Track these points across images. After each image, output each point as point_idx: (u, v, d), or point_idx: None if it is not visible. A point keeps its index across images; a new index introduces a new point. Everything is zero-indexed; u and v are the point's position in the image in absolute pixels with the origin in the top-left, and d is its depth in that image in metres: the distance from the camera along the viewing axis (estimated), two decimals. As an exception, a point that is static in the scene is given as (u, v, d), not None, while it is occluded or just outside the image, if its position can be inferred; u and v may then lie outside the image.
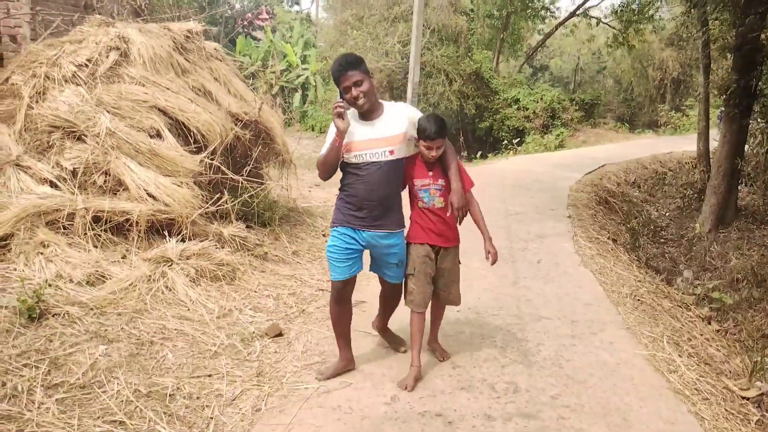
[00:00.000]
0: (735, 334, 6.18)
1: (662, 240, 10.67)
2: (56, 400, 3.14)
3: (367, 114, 3.46)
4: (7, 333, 3.64)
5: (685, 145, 19.07)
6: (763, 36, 9.35)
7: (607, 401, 3.67)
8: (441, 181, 3.61)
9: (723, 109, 11.13)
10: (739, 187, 11.01)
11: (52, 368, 3.40)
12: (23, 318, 3.78)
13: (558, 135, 21.95)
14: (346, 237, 3.53)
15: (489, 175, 12.74)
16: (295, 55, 26.43)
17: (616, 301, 5.45)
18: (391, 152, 3.47)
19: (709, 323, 6.04)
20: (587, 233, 8.03)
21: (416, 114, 3.57)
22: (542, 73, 39.74)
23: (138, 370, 3.56)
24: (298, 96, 26.21)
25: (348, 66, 3.33)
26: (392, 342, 4.17)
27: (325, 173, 3.47)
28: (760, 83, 9.70)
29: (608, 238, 8.12)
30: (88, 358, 3.55)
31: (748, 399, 4.12)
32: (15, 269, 4.39)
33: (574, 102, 25.25)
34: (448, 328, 4.57)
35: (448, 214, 3.52)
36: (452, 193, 3.48)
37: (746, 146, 10.65)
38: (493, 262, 3.65)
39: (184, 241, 5.15)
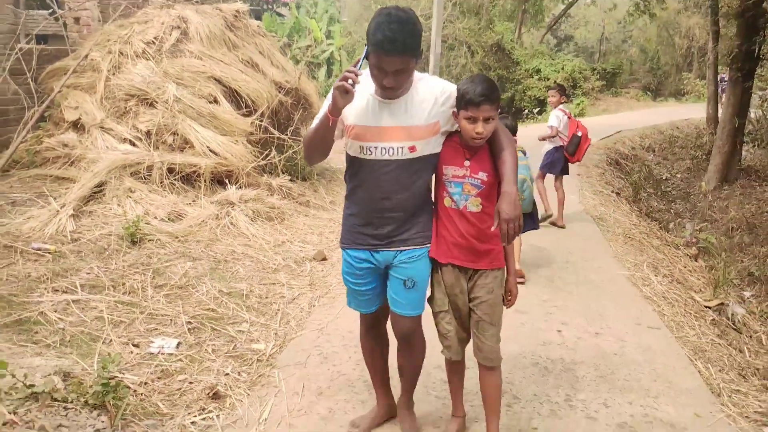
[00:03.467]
0: (718, 272, 7.03)
1: (670, 198, 11.43)
2: (163, 295, 4.19)
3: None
4: (117, 251, 4.71)
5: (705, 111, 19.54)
6: (765, 3, 9.94)
7: (588, 304, 4.60)
8: (483, 174, 2.50)
9: (723, 75, 11.82)
10: (744, 148, 11.68)
11: (155, 275, 4.44)
12: (127, 242, 4.84)
13: (578, 104, 22.49)
14: (360, 261, 2.62)
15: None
16: (320, 30, 27.24)
17: (609, 239, 6.34)
18: (412, 149, 2.44)
19: (696, 260, 6.88)
20: (593, 188, 8.88)
21: (455, 92, 2.47)
22: (567, 44, 39.87)
23: (218, 278, 4.59)
24: (323, 71, 27.07)
25: (395, 50, 2.23)
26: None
27: (310, 156, 2.57)
28: (762, 48, 10.32)
29: (612, 191, 8.95)
30: (180, 269, 4.60)
31: (710, 308, 5.00)
32: (111, 209, 5.44)
33: (595, 71, 25.69)
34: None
35: (492, 228, 2.35)
36: (502, 197, 2.32)
37: (751, 109, 11.31)
38: (509, 305, 2.67)
39: (241, 189, 6.16)
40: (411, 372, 2.84)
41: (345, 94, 2.24)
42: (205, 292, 4.32)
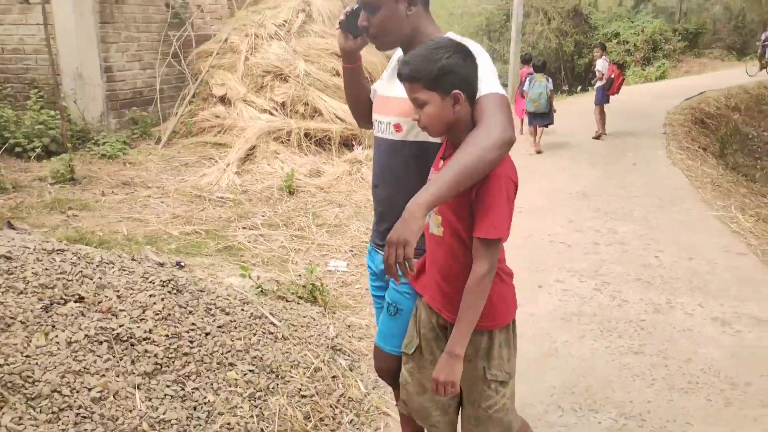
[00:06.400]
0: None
1: (756, 155, 11.65)
2: (325, 231, 5.21)
3: (404, 50, 1.91)
4: (279, 199, 5.79)
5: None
6: None
7: (680, 237, 5.29)
8: None
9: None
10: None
11: (314, 217, 5.48)
12: (286, 193, 5.90)
13: (659, 66, 22.28)
14: (370, 260, 2.19)
15: (589, 105, 13.95)
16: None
17: (698, 186, 6.93)
18: (397, 127, 1.88)
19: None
20: (680, 144, 9.35)
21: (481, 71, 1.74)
22: (645, 4, 38.75)
23: (362, 219, 5.57)
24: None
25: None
26: None
27: (352, 113, 2.22)
28: None
29: (698, 147, 9.39)
30: (331, 213, 5.62)
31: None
32: (263, 167, 6.53)
33: (677, 32, 25.18)
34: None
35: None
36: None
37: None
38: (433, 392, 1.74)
39: (365, 150, 7.13)
40: None
41: (341, 34, 1.96)
42: (356, 228, 5.31)
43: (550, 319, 3.81)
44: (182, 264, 4.14)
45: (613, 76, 9.79)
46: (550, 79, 8.75)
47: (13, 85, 7.17)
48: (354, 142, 7.18)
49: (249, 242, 4.86)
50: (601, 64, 9.91)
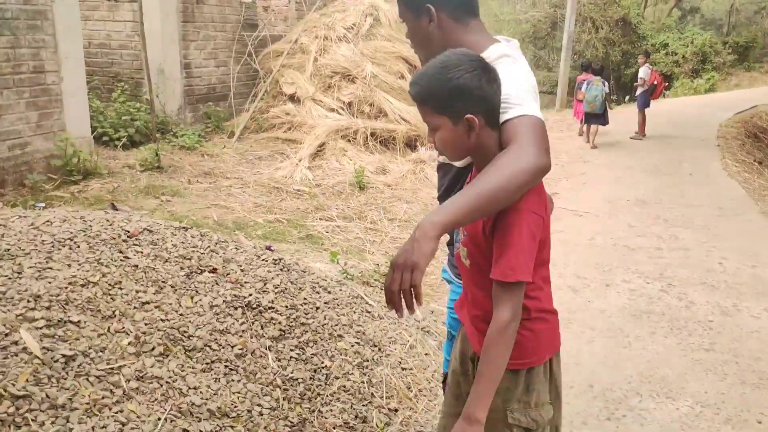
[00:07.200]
0: None
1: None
2: (396, 225, 5.48)
3: None
4: (351, 194, 6.08)
5: None
6: None
7: (742, 245, 5.41)
8: None
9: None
10: None
11: (385, 211, 5.76)
12: (356, 189, 6.20)
13: (709, 79, 22.06)
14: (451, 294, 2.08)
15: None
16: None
17: (756, 199, 7.01)
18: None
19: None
20: (735, 157, 9.38)
21: (512, 91, 1.50)
22: (692, 16, 38.22)
23: (431, 216, 5.83)
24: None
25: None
26: None
27: None
28: None
29: (754, 160, 9.41)
30: (400, 209, 5.89)
31: None
32: (332, 163, 6.84)
33: (727, 45, 24.87)
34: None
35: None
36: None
37: None
38: None
39: (428, 151, 7.39)
40: None
41: None
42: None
43: (621, 316, 4.01)
44: (272, 249, 4.45)
45: (656, 82, 10.78)
46: (606, 83, 9.62)
47: (99, 78, 7.64)
48: (417, 143, 7.44)
49: (327, 232, 5.16)
50: (644, 71, 10.69)
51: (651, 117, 11.80)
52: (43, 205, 4.66)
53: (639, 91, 10.77)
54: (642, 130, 10.81)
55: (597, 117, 9.54)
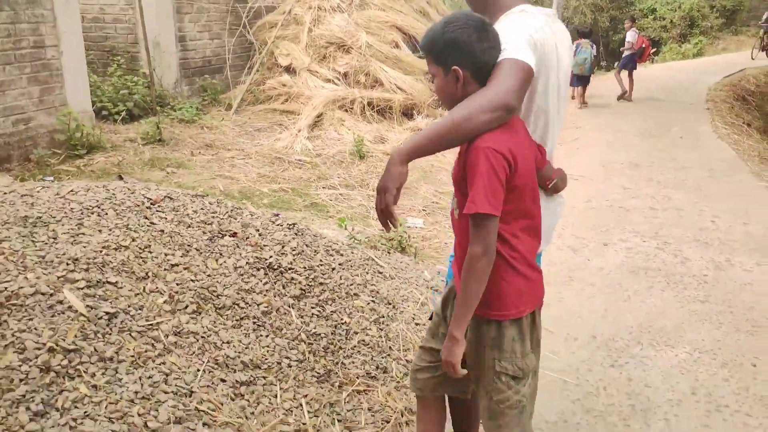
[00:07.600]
0: None
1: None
2: (398, 192, 5.59)
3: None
4: (351, 163, 6.18)
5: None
6: None
7: (733, 205, 5.58)
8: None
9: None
10: None
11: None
12: (356, 157, 6.30)
13: (696, 43, 22.13)
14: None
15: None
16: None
17: (746, 159, 7.18)
18: None
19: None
20: (724, 119, 9.54)
21: (506, 38, 1.61)
22: (680, -20, 38.09)
23: (429, 182, 5.95)
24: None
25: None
26: None
27: None
28: None
29: (743, 122, 9.58)
30: (401, 176, 5.99)
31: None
32: (330, 133, 6.92)
33: (714, 9, 24.88)
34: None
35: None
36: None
37: None
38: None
39: (424, 119, 7.48)
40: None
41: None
42: (425, 190, 5.70)
43: (620, 272, 4.17)
44: (280, 216, 4.56)
45: (644, 45, 11.32)
46: (595, 45, 10.20)
47: (94, 53, 7.61)
48: (414, 111, 7.52)
49: (330, 200, 5.27)
50: (631, 35, 11.04)
51: (640, 81, 11.94)
52: (52, 178, 4.74)
53: (625, 53, 11.17)
54: (630, 93, 11.14)
55: (586, 78, 10.11)
